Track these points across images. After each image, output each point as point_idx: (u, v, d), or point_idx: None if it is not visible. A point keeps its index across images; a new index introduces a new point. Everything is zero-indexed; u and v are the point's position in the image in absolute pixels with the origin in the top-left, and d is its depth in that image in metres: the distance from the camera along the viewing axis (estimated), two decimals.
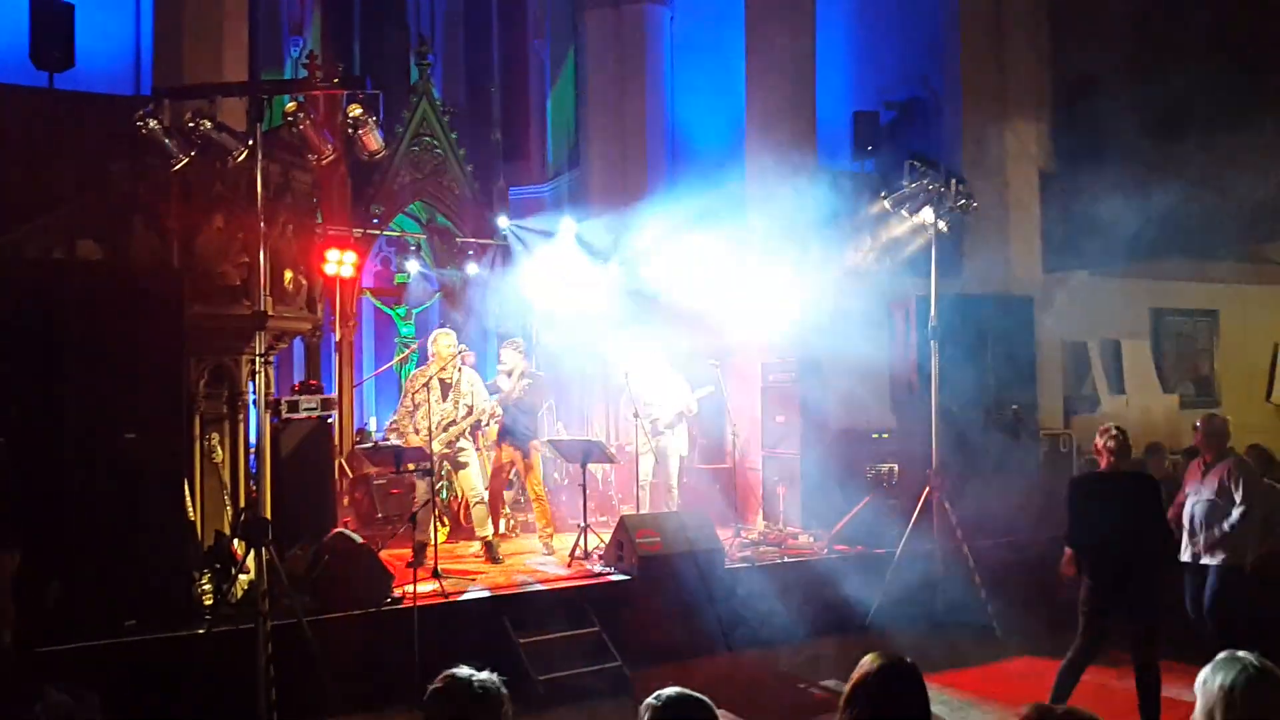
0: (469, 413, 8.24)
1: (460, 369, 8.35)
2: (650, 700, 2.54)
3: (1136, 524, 5.50)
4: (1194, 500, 6.58)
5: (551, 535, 8.77)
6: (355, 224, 11.54)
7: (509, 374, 8.58)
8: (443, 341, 8.36)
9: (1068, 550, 5.76)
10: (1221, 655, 2.53)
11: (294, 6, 16.55)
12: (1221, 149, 10.23)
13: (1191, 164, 10.44)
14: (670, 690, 2.57)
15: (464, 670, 2.55)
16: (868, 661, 2.58)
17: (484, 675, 2.55)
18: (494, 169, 13.96)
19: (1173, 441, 10.05)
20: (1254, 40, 10.15)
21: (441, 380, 8.25)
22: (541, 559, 8.45)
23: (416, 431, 8.10)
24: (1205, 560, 6.46)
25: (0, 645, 4.46)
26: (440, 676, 2.55)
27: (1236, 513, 6.32)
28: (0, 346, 5.85)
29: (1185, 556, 6.62)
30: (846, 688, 2.57)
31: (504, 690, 2.53)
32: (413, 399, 8.26)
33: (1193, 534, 6.55)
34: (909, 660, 2.59)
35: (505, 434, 8.68)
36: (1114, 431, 5.67)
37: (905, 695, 2.55)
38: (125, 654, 5.71)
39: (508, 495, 9.50)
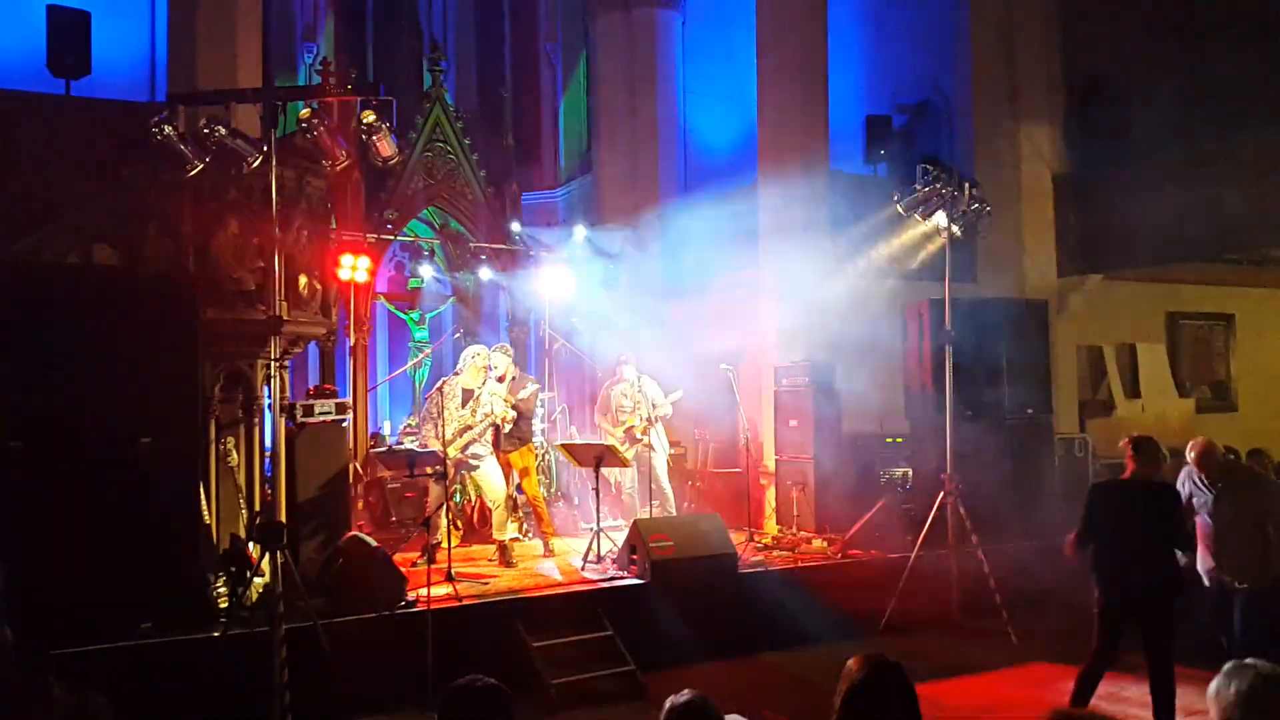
0: (485, 419, 8.34)
1: (485, 380, 8.54)
2: (669, 703, 2.57)
3: (1154, 532, 5.47)
4: (1206, 514, 6.47)
5: (549, 537, 8.86)
6: (369, 229, 11.59)
7: (500, 379, 8.64)
8: (470, 355, 8.67)
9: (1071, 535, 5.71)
10: (1231, 664, 2.55)
11: (307, 13, 16.65)
12: (1238, 151, 10.18)
13: (1207, 166, 10.39)
14: (685, 695, 2.59)
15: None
16: (853, 666, 2.59)
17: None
18: (507, 174, 13.99)
19: None
20: (1270, 39, 10.09)
21: (465, 389, 8.46)
22: (551, 562, 8.46)
23: (438, 438, 8.16)
24: (1235, 583, 6.36)
25: (2, 643, 4.46)
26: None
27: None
28: (17, 351, 5.90)
29: (1201, 569, 6.51)
30: (837, 695, 2.58)
31: None
32: (435, 406, 8.38)
33: (1211, 550, 6.43)
34: (893, 661, 2.59)
35: (507, 438, 8.74)
36: (1135, 439, 5.65)
37: (893, 697, 2.55)
38: (140, 656, 5.74)
39: (519, 499, 9.52)
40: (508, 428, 8.56)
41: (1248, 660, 2.53)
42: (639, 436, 9.33)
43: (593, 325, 12.09)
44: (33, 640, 4.90)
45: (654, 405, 9.37)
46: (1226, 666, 2.54)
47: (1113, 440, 5.95)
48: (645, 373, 9.61)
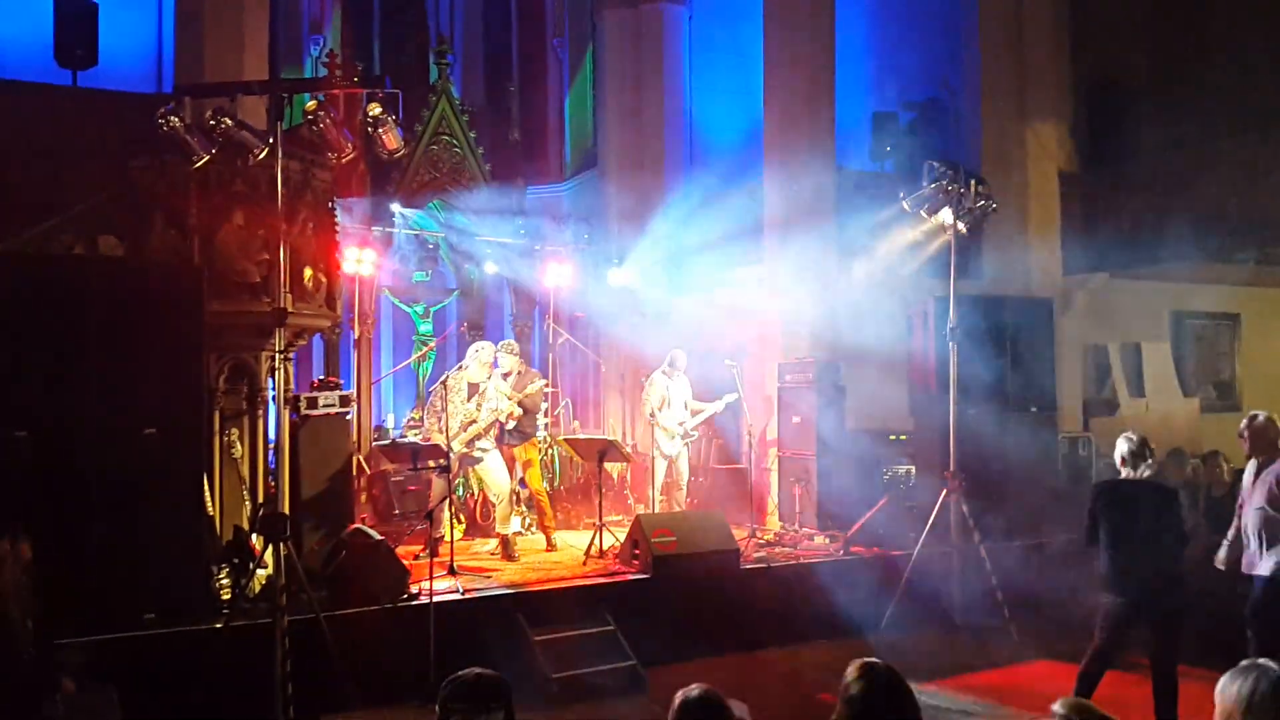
0: (491, 414, 8.35)
1: (490, 376, 8.58)
2: (680, 696, 2.58)
3: (1157, 532, 5.46)
4: (1249, 509, 6.36)
5: (552, 531, 8.89)
6: (374, 222, 11.58)
7: (505, 376, 8.66)
8: (474, 351, 8.74)
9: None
10: (1242, 663, 2.53)
11: (314, 5, 16.62)
12: (1245, 151, 10.15)
13: (1214, 165, 10.37)
14: (696, 689, 2.60)
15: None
16: (851, 672, 2.59)
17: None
18: (512, 168, 13.95)
19: (1193, 446, 9.94)
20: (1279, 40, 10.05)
21: (470, 384, 8.49)
22: (554, 556, 8.47)
23: (442, 432, 8.17)
24: (1258, 571, 6.26)
25: (14, 636, 4.48)
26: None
27: None
28: (22, 341, 5.91)
29: (1246, 569, 6.33)
30: (839, 704, 2.58)
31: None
32: (440, 400, 8.41)
33: (1248, 545, 6.32)
34: (883, 666, 2.59)
35: (511, 433, 8.75)
36: (1129, 437, 5.62)
37: (893, 704, 2.55)
38: (143, 647, 5.75)
39: (522, 494, 9.54)
40: (511, 424, 8.57)
41: (1259, 660, 2.52)
42: (691, 433, 9.57)
43: (597, 320, 12.09)
44: (40, 630, 4.92)
45: (690, 408, 9.58)
46: (1238, 666, 2.53)
47: (1117, 439, 5.92)
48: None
